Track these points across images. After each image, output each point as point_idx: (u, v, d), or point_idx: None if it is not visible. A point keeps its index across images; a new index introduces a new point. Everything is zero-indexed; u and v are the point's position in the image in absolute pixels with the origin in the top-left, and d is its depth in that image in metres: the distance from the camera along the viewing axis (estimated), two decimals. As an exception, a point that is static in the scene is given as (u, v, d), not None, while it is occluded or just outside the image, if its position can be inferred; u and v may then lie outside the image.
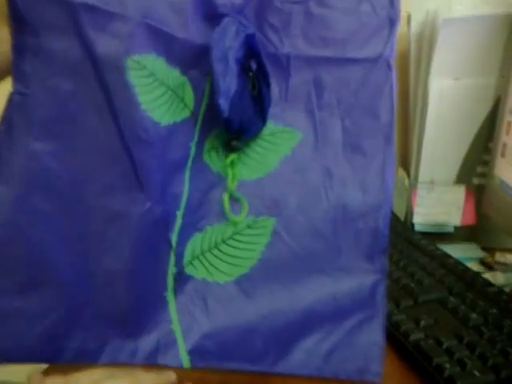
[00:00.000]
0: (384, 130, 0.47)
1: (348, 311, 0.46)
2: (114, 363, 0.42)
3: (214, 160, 0.47)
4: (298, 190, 0.47)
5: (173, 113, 0.45)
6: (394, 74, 0.47)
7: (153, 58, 0.43)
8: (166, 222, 0.45)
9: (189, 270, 0.46)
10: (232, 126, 0.44)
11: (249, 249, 0.46)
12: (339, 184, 0.47)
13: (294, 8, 0.46)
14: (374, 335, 0.44)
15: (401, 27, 0.83)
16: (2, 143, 0.40)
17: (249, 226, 0.47)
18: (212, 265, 0.46)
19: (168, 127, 0.44)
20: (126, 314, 0.43)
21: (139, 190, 0.42)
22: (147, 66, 0.42)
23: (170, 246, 0.45)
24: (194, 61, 0.45)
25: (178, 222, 0.46)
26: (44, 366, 0.48)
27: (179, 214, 0.46)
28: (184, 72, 0.46)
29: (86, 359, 0.42)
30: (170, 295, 0.45)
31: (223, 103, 0.43)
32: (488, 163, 0.74)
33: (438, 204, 0.78)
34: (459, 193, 0.77)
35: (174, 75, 0.45)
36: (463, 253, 0.72)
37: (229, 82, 0.43)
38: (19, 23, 0.39)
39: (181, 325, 0.44)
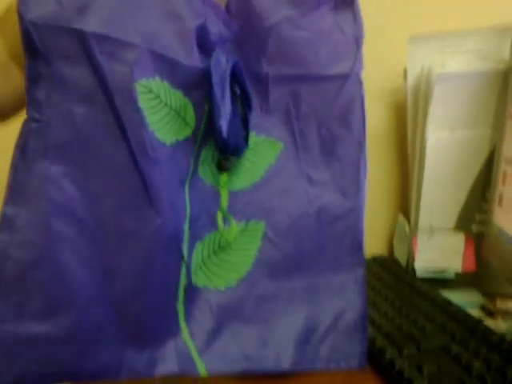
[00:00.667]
0: (356, 138, 0.51)
1: (339, 307, 0.50)
2: (134, 377, 0.44)
3: (206, 173, 0.50)
4: (283, 195, 0.50)
5: (176, 131, 0.47)
6: (363, 87, 0.51)
7: (157, 82, 0.45)
8: (178, 235, 0.47)
9: (194, 280, 0.48)
10: (229, 147, 0.47)
11: (243, 254, 0.49)
12: (319, 188, 0.51)
13: (271, 30, 0.49)
14: (356, 323, 0.50)
15: (398, 80, 0.87)
16: (18, 168, 0.41)
17: (242, 231, 0.49)
18: (212, 272, 0.48)
19: (172, 145, 0.47)
20: (141, 327, 0.45)
21: (150, 207, 0.44)
22: (153, 89, 0.44)
23: (182, 258, 0.47)
24: (196, 83, 0.48)
25: (186, 234, 0.48)
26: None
27: (186, 226, 0.48)
28: (186, 93, 0.48)
29: (108, 376, 0.43)
30: (180, 306, 0.47)
31: (224, 125, 0.45)
32: (486, 211, 0.76)
33: (439, 250, 0.79)
34: (459, 239, 0.79)
35: (177, 96, 0.47)
36: (464, 299, 0.73)
37: (227, 105, 0.46)
38: (32, 52, 0.41)
39: (191, 334, 0.46)
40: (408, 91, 0.83)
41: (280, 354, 0.47)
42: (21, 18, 0.40)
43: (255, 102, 0.51)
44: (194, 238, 0.49)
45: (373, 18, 0.88)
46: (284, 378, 0.51)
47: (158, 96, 0.45)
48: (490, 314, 0.69)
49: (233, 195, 0.50)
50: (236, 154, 0.49)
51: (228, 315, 0.48)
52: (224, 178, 0.50)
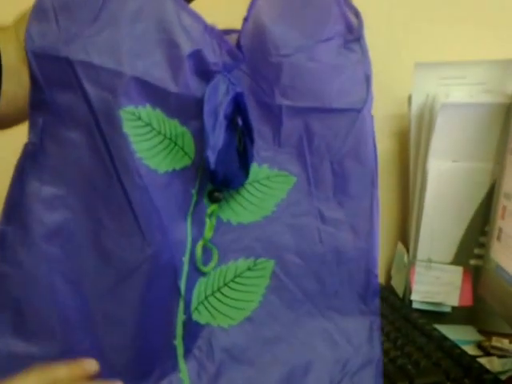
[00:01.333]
0: (369, 174, 0.50)
1: (346, 355, 0.47)
2: None
3: (207, 202, 0.49)
4: (294, 232, 0.49)
5: (171, 161, 0.47)
6: (373, 122, 0.51)
7: (149, 110, 0.45)
8: (174, 269, 0.46)
9: (195, 316, 0.47)
10: (217, 178, 0.46)
11: (250, 291, 0.48)
12: (332, 227, 0.49)
13: (285, 61, 0.49)
14: (373, 380, 0.46)
15: (402, 107, 0.87)
16: (14, 187, 0.42)
17: (249, 269, 0.48)
18: (216, 309, 0.47)
19: (167, 174, 0.46)
20: (134, 362, 0.44)
21: (140, 235, 0.44)
22: (142, 117, 0.44)
23: (180, 293, 0.46)
24: (194, 112, 0.47)
25: (185, 268, 0.47)
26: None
27: (185, 260, 0.47)
28: (184, 122, 0.47)
29: None
30: (178, 343, 0.46)
31: (211, 156, 0.45)
32: (485, 245, 0.76)
33: (436, 283, 0.79)
34: (457, 273, 0.78)
35: (172, 125, 0.47)
36: (460, 335, 0.73)
37: (217, 136, 0.45)
38: (33, 80, 0.43)
39: (189, 373, 0.45)
40: (412, 119, 0.83)
41: None
42: (25, 48, 0.42)
43: (268, 134, 0.50)
44: (197, 272, 0.47)
45: (379, 45, 0.88)
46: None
47: (148, 124, 0.45)
48: (486, 352, 0.69)
49: (241, 229, 0.49)
50: (228, 185, 0.48)
51: (230, 358, 0.46)
52: (212, 215, 0.48)
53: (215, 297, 0.47)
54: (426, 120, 0.80)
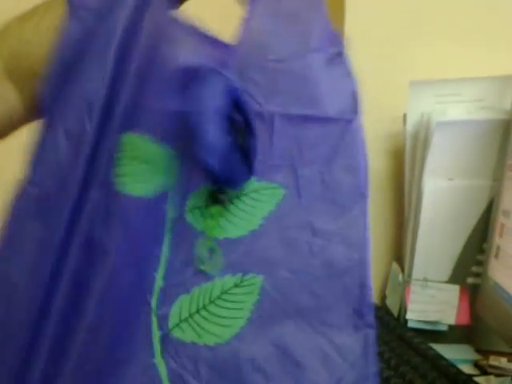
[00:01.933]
0: (360, 186, 0.48)
1: (340, 372, 0.45)
2: None
3: (197, 219, 0.47)
4: (284, 246, 0.47)
5: (148, 183, 0.46)
6: (364, 136, 0.50)
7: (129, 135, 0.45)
8: (142, 284, 0.45)
9: (176, 334, 0.45)
10: (219, 178, 0.45)
11: (238, 308, 0.46)
12: (323, 239, 0.47)
13: (280, 67, 0.48)
14: None
15: (397, 125, 0.87)
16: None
17: (236, 285, 0.46)
18: (201, 327, 0.45)
19: (142, 198, 0.45)
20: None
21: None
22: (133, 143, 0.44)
23: (150, 308, 0.44)
24: (174, 128, 0.46)
25: (158, 283, 0.45)
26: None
27: (158, 275, 0.45)
28: (164, 140, 0.47)
29: None
30: (159, 362, 0.44)
31: (211, 156, 0.44)
32: (482, 263, 0.74)
33: (432, 302, 0.77)
34: (453, 292, 0.77)
35: (151, 147, 0.46)
36: (457, 354, 0.71)
37: (216, 135, 0.44)
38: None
39: None
40: (407, 137, 0.82)
41: None
42: None
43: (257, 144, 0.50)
44: (177, 288, 0.46)
45: (373, 63, 0.88)
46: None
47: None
48: (483, 370, 0.67)
49: (228, 243, 0.48)
50: (232, 184, 0.47)
51: (217, 377, 0.44)
52: (215, 216, 0.47)
53: (200, 314, 0.46)
54: (422, 138, 0.79)
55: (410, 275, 0.79)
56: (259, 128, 0.49)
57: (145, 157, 0.45)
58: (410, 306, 0.78)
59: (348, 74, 0.50)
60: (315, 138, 0.49)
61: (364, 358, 0.46)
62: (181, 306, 0.45)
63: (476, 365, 0.70)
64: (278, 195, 0.49)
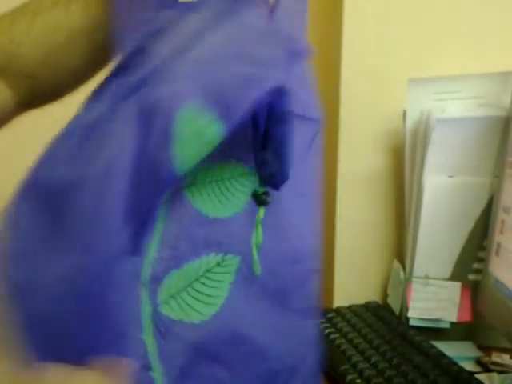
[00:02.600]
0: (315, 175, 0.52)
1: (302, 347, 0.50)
2: None
3: (195, 196, 0.47)
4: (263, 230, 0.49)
5: None
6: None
7: None
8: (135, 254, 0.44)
9: (165, 311, 0.44)
10: (264, 179, 0.47)
11: (217, 287, 0.47)
12: (291, 227, 0.50)
13: None
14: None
15: (396, 122, 0.87)
16: None
17: (218, 264, 0.47)
18: (188, 304, 0.45)
19: None
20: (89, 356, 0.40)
21: None
22: None
23: (139, 280, 0.44)
24: None
25: (150, 255, 0.45)
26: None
27: (151, 246, 0.45)
28: None
29: None
30: (148, 339, 0.43)
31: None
32: (483, 260, 0.74)
33: (434, 299, 0.77)
34: (455, 289, 0.76)
35: None
36: (459, 351, 0.71)
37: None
38: None
39: (163, 373, 0.43)
40: (406, 134, 0.82)
41: None
42: None
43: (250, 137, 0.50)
44: (169, 262, 0.46)
45: (372, 61, 0.88)
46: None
47: None
48: (486, 368, 0.67)
49: (217, 223, 0.48)
50: (277, 187, 0.48)
51: (201, 355, 0.45)
52: (262, 210, 0.48)
53: (187, 291, 0.46)
54: (421, 135, 0.79)
55: (411, 273, 0.79)
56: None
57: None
58: (412, 304, 0.77)
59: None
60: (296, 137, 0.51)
61: (315, 343, 0.50)
62: (171, 282, 0.45)
63: (478, 362, 0.70)
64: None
